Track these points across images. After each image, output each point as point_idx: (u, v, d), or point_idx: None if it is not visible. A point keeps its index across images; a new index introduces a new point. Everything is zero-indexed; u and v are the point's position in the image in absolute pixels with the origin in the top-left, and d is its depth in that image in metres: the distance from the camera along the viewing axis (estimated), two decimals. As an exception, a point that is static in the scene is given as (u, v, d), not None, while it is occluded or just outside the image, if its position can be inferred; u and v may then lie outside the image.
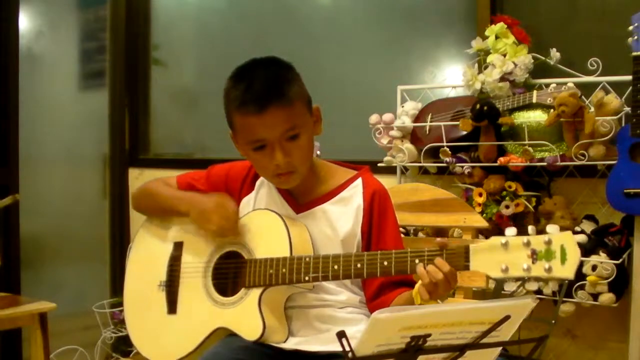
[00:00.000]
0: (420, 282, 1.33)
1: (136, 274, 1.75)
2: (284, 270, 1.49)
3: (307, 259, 1.47)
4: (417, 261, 1.34)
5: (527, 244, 1.23)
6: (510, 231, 1.27)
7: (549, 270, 1.20)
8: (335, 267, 1.44)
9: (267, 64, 1.54)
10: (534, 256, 1.22)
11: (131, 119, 3.66)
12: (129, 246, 1.79)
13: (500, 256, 1.25)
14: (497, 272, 1.25)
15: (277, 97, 1.46)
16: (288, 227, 1.52)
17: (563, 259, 1.20)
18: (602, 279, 2.10)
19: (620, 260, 2.11)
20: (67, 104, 3.47)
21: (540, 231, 1.24)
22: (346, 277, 1.44)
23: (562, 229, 1.25)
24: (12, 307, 2.30)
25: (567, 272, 1.19)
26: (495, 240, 1.26)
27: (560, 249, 1.20)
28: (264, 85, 1.47)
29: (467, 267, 1.29)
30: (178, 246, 1.68)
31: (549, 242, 1.21)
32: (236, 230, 1.58)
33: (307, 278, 1.47)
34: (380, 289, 1.53)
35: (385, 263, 1.38)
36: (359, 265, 1.41)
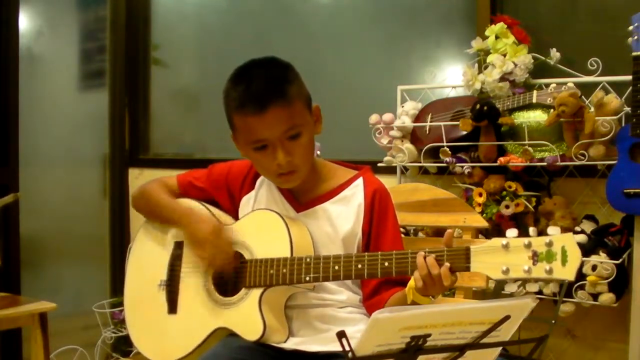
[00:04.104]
0: (415, 274, 1.33)
1: (137, 274, 1.75)
2: (284, 270, 1.49)
3: (308, 260, 1.47)
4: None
5: (528, 245, 1.22)
6: (512, 232, 1.27)
7: (550, 271, 1.20)
8: (336, 267, 1.44)
9: (265, 64, 1.54)
10: (535, 258, 1.22)
11: (131, 119, 3.66)
12: (129, 246, 1.79)
13: (501, 258, 1.25)
14: (497, 273, 1.25)
15: (277, 97, 1.46)
16: (289, 227, 1.52)
17: (564, 261, 1.20)
18: (602, 279, 2.10)
19: (620, 260, 2.11)
20: (67, 104, 3.47)
21: (541, 231, 1.24)
22: (347, 277, 1.44)
23: (562, 229, 1.26)
24: (12, 307, 2.30)
25: (568, 273, 1.19)
26: (496, 241, 1.26)
27: (561, 251, 1.20)
28: (264, 85, 1.47)
29: (467, 269, 1.29)
30: (179, 246, 1.68)
31: (550, 244, 1.21)
32: (227, 262, 1.57)
33: (307, 278, 1.47)
34: (377, 289, 1.53)
35: (386, 264, 1.38)
36: (359, 266, 1.41)
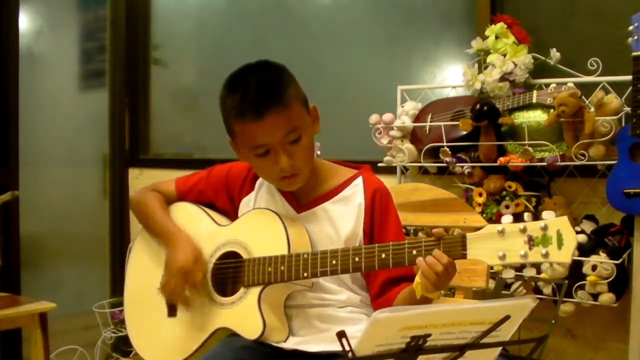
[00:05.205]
0: (420, 273, 1.33)
1: (136, 278, 1.75)
2: (282, 267, 1.49)
3: (305, 256, 1.47)
4: (414, 252, 1.35)
5: (524, 230, 1.23)
6: (507, 219, 1.27)
7: (546, 255, 1.21)
8: (334, 262, 1.44)
9: (260, 68, 1.53)
10: (531, 242, 1.22)
11: (131, 119, 3.66)
12: (129, 247, 1.79)
13: (497, 244, 1.25)
14: (494, 259, 1.25)
15: (275, 102, 1.46)
16: (285, 225, 1.52)
17: (560, 244, 1.20)
18: (602, 279, 2.10)
19: (620, 260, 2.11)
20: (67, 104, 3.47)
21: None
22: (344, 271, 1.44)
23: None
24: (12, 307, 2.30)
25: (564, 256, 1.20)
26: (492, 228, 1.26)
27: (557, 234, 1.21)
28: (260, 91, 1.47)
29: (464, 256, 1.30)
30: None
31: (545, 228, 1.21)
32: (181, 303, 1.60)
33: (305, 274, 1.47)
34: (383, 287, 1.53)
35: (383, 255, 1.39)
36: (357, 259, 1.42)
